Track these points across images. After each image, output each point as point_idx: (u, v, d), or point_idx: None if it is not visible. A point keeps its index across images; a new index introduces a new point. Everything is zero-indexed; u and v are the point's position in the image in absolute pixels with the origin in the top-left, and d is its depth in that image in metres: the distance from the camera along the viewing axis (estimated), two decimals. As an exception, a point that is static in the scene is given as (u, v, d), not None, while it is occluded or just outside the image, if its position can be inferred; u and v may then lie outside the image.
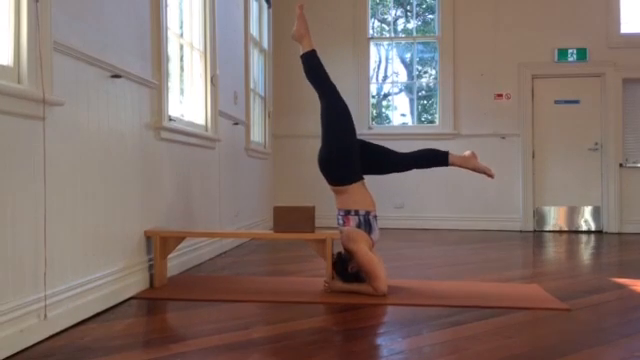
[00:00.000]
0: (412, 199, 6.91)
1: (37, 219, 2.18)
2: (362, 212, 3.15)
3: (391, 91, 7.70)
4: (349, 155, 3.20)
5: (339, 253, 3.15)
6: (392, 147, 6.71)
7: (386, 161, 3.34)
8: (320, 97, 3.35)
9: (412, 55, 7.44)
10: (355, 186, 3.19)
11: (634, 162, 6.68)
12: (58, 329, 2.29)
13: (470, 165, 3.29)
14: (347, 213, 3.17)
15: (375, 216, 3.22)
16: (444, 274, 3.81)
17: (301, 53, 3.36)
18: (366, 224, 3.14)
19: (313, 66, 3.33)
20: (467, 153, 3.34)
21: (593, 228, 6.75)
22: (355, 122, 7.56)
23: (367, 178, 3.33)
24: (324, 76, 3.33)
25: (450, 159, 3.26)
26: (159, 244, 3.18)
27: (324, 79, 3.32)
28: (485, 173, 3.31)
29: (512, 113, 6.84)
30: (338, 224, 3.22)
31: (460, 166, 3.30)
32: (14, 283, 2.05)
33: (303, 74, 3.41)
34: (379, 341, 2.30)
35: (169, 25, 3.64)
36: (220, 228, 4.59)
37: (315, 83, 3.34)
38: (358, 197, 3.18)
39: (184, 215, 3.83)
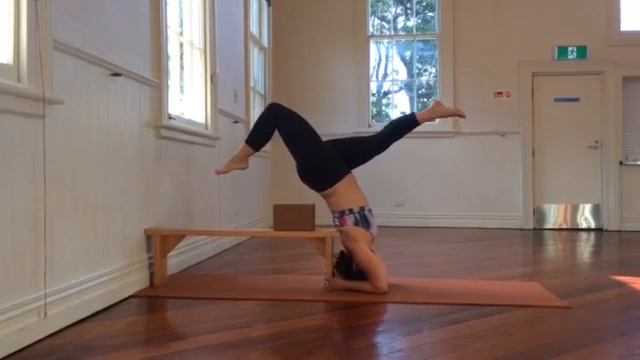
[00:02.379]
0: (412, 197, 6.91)
1: (37, 218, 2.18)
2: (356, 209, 3.15)
3: (391, 89, 7.69)
4: (322, 160, 3.18)
5: (342, 252, 3.15)
6: (393, 146, 6.70)
7: (363, 150, 3.32)
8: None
9: (412, 53, 7.43)
10: (341, 185, 3.16)
11: (634, 160, 6.67)
12: (58, 327, 2.29)
13: (439, 114, 3.36)
14: (342, 214, 3.15)
15: (370, 210, 3.20)
16: (444, 272, 3.81)
17: (251, 152, 3.34)
18: (363, 220, 3.14)
19: (265, 135, 3.30)
20: (432, 104, 3.39)
21: (593, 226, 6.75)
22: (355, 120, 7.59)
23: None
24: (270, 123, 3.26)
25: (418, 118, 3.30)
26: (159, 242, 3.18)
27: (271, 124, 3.25)
28: (456, 114, 3.39)
29: (512, 111, 6.84)
30: (335, 225, 3.21)
31: (430, 118, 3.36)
32: (14, 281, 2.05)
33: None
34: (379, 339, 2.30)
35: (169, 23, 3.63)
36: (220, 226, 4.59)
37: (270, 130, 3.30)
38: (348, 195, 3.16)
39: (184, 213, 3.83)
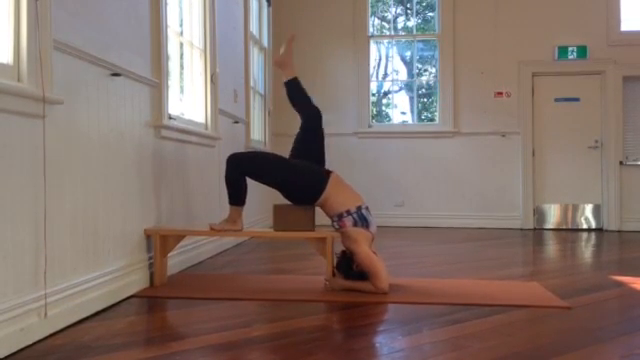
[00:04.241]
0: (412, 197, 6.91)
1: (37, 218, 2.18)
2: (353, 209, 3.13)
3: (391, 89, 7.70)
4: (297, 177, 3.16)
5: (343, 251, 3.14)
6: (393, 146, 6.72)
7: (310, 138, 3.32)
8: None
9: (412, 53, 7.43)
10: (329, 189, 3.13)
11: (634, 160, 6.67)
12: (58, 327, 2.29)
13: (285, 58, 3.41)
14: (340, 217, 3.13)
15: (367, 207, 3.19)
16: (444, 272, 3.81)
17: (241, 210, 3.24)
18: (361, 219, 3.12)
19: (241, 189, 3.21)
20: (276, 62, 3.49)
21: (593, 226, 6.75)
22: (355, 120, 7.58)
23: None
24: (236, 176, 3.17)
25: (287, 78, 3.39)
26: (159, 242, 3.18)
27: (238, 176, 3.17)
28: (290, 42, 3.44)
29: (512, 111, 6.84)
30: (335, 229, 3.19)
31: (288, 67, 3.41)
32: (14, 281, 2.05)
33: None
34: (379, 339, 2.30)
35: (169, 23, 3.63)
36: (220, 226, 4.58)
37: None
38: (341, 197, 3.14)
39: (184, 213, 3.83)
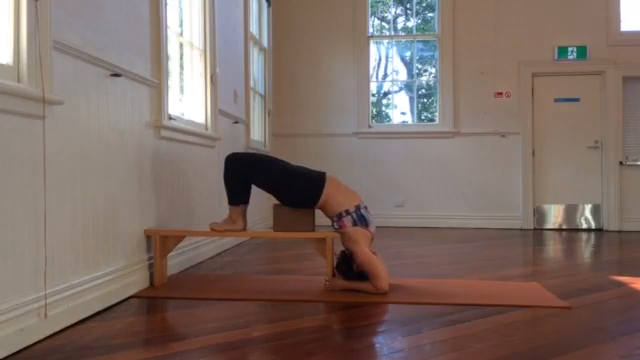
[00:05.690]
0: (412, 197, 6.91)
1: (37, 218, 2.18)
2: (352, 209, 3.13)
3: (391, 89, 7.70)
4: (293, 178, 3.15)
5: (343, 252, 3.14)
6: (393, 146, 6.78)
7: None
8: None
9: (412, 53, 7.43)
10: (327, 190, 3.12)
11: (634, 160, 6.68)
12: (58, 328, 2.29)
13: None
14: (339, 217, 3.12)
15: (365, 207, 3.19)
16: (444, 272, 3.81)
17: (240, 210, 3.22)
18: (360, 219, 3.12)
19: (240, 190, 3.20)
20: None
21: (593, 226, 6.75)
22: (355, 120, 7.58)
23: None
24: (234, 176, 3.17)
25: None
26: (159, 243, 3.18)
27: (237, 177, 3.17)
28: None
29: (512, 111, 6.84)
30: (335, 229, 3.19)
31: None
32: (14, 282, 2.05)
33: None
34: (379, 339, 2.30)
35: (169, 24, 3.63)
36: (220, 227, 4.58)
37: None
38: (340, 197, 3.13)
39: (184, 214, 3.83)
